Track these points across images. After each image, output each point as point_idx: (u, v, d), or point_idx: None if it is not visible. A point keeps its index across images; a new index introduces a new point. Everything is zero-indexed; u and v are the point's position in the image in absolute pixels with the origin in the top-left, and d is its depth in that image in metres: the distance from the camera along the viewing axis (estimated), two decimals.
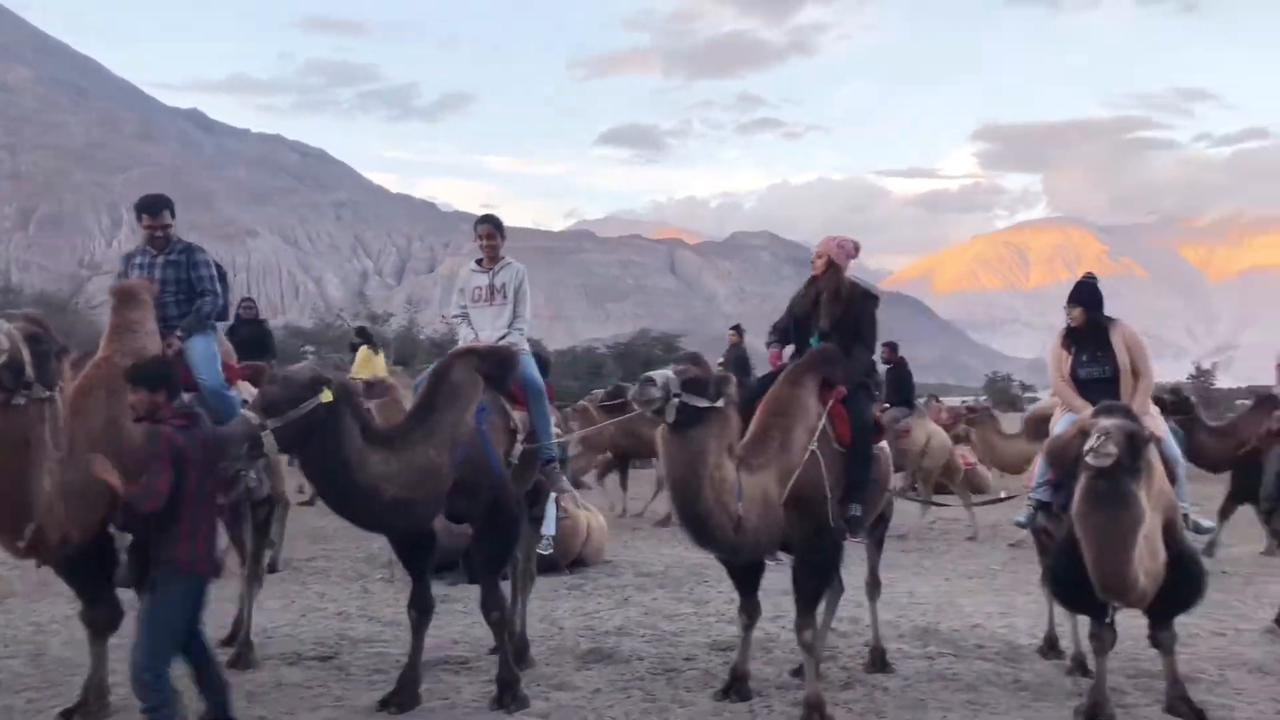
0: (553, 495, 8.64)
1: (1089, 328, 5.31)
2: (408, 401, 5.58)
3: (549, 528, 8.19)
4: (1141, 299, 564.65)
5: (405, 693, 4.75)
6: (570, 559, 8.46)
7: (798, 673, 5.22)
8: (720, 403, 4.38)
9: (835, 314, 5.07)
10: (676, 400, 4.26)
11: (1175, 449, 5.21)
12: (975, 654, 5.95)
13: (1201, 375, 46.84)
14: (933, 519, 11.45)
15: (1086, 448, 4.28)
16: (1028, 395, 44.52)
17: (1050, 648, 5.88)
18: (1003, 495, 9.08)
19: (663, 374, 4.36)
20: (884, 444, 5.33)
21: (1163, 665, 4.94)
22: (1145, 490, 4.40)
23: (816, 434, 4.73)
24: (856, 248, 5.28)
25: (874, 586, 5.77)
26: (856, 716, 4.85)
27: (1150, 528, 4.48)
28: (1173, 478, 4.95)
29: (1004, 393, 43.77)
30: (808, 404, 4.81)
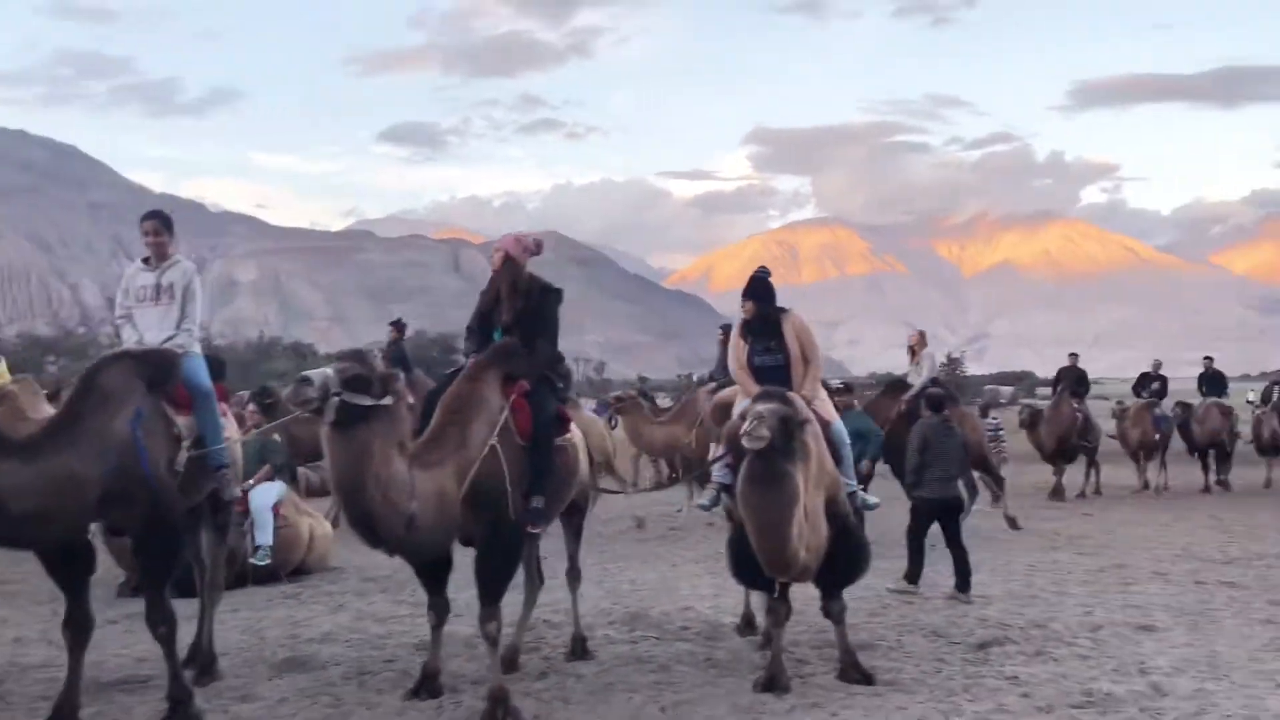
0: (270, 503, 8.37)
1: (761, 319, 5.58)
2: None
3: (265, 537, 8.13)
4: (903, 294, 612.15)
5: (59, 718, 4.55)
6: (291, 568, 8.27)
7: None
8: (387, 400, 4.34)
9: (516, 308, 5.14)
10: (336, 399, 4.22)
11: (843, 432, 5.54)
12: (677, 635, 6.20)
13: (952, 364, 50.82)
14: (679, 507, 11.83)
15: (742, 431, 4.60)
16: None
17: (747, 625, 6.19)
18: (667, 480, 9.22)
19: (321, 373, 4.31)
20: (571, 435, 5.43)
21: (835, 634, 5.30)
22: (803, 470, 4.69)
23: (497, 428, 4.76)
24: (538, 244, 5.39)
25: (573, 575, 5.88)
26: (544, 705, 4.95)
27: (810, 506, 4.80)
28: (839, 459, 5.28)
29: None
30: (488, 399, 4.84)
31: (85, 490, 4.36)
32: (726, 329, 13.75)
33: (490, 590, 4.78)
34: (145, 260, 5.39)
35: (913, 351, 11.47)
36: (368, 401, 4.28)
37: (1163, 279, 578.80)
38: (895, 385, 11.45)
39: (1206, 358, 16.95)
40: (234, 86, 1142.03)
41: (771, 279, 5.70)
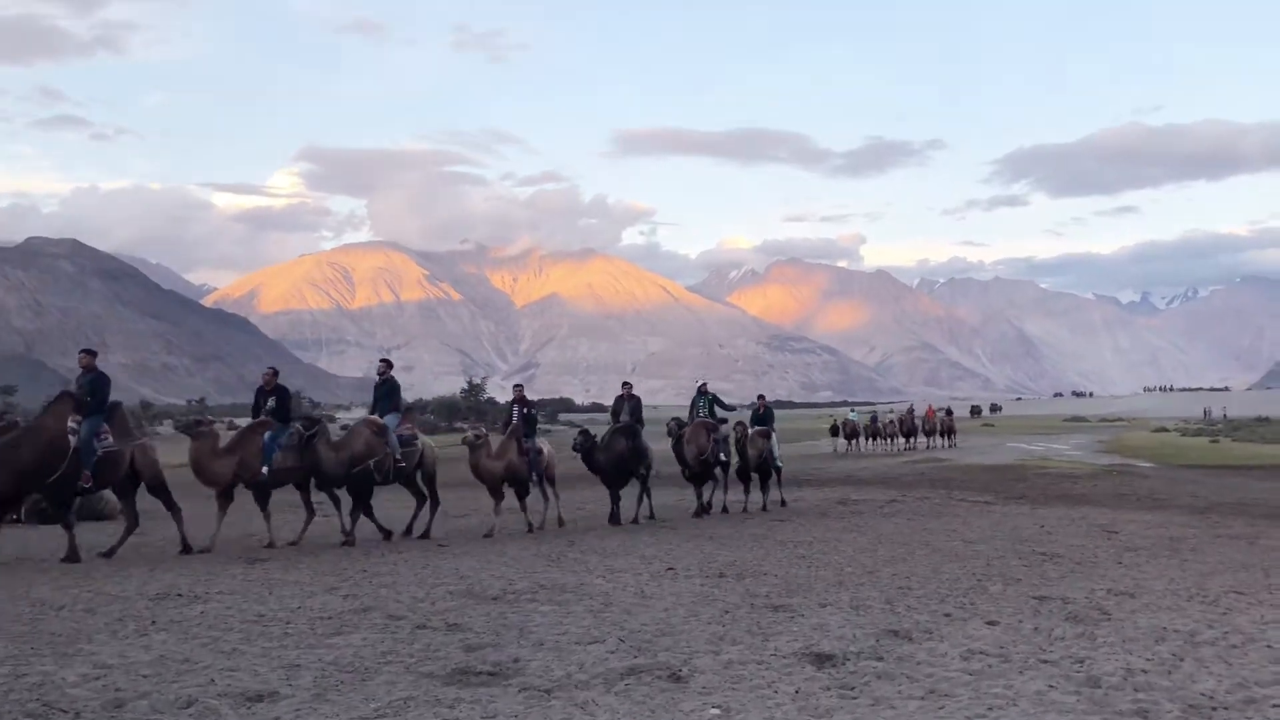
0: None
1: None
2: None
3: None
4: (458, 320, 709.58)
5: None
6: None
7: None
8: None
9: None
10: None
11: None
12: None
13: (474, 390, 70.53)
14: None
15: None
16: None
17: None
18: None
19: None
20: None
21: None
22: None
23: None
24: None
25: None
26: None
27: None
28: None
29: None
30: None
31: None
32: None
33: None
34: None
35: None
36: None
37: (691, 315, 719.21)
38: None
39: (759, 396, 20.64)
40: None
41: None
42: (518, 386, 16.76)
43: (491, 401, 79.60)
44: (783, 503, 19.32)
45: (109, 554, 12.30)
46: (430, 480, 15.01)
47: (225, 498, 13.16)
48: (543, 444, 16.07)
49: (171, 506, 13.01)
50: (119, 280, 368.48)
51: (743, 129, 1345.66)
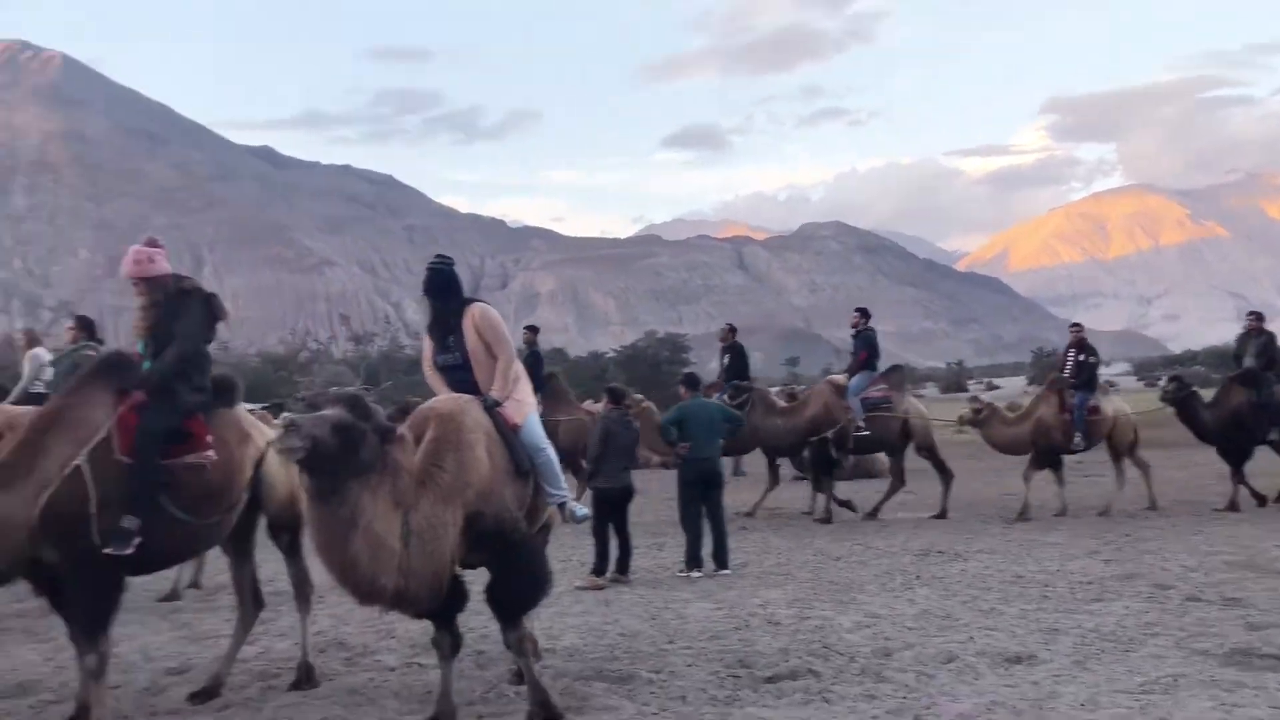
0: None
1: (437, 318, 5.60)
2: None
3: None
4: (1227, 260, 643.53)
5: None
6: None
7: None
8: None
9: (152, 318, 5.48)
10: None
11: (537, 436, 5.42)
12: (371, 665, 6.38)
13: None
14: None
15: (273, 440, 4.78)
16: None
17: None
18: None
19: None
20: (210, 452, 5.31)
21: (521, 668, 5.23)
22: (379, 485, 4.61)
23: (90, 447, 4.92)
24: (154, 242, 5.61)
25: (300, 599, 6.03)
26: None
27: (419, 525, 4.72)
28: (530, 468, 5.28)
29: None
30: (82, 416, 5.00)
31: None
32: (533, 328, 14.53)
33: (84, 621, 4.89)
34: None
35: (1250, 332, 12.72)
36: None
37: None
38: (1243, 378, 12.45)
39: None
40: (530, 108, 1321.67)
41: (453, 267, 5.70)
42: (1075, 327, 13.80)
43: None
44: None
45: (873, 513, 12.70)
46: (931, 451, 13.35)
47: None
48: (1110, 401, 13.25)
49: (942, 469, 13.20)
50: (879, 254, 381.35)
51: None
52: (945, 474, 13.01)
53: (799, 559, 9.80)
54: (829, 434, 12.73)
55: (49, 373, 11.32)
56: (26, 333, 12.81)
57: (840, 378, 13.45)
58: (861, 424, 12.83)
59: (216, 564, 7.36)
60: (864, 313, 13.43)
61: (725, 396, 12.70)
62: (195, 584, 9.06)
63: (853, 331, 13.28)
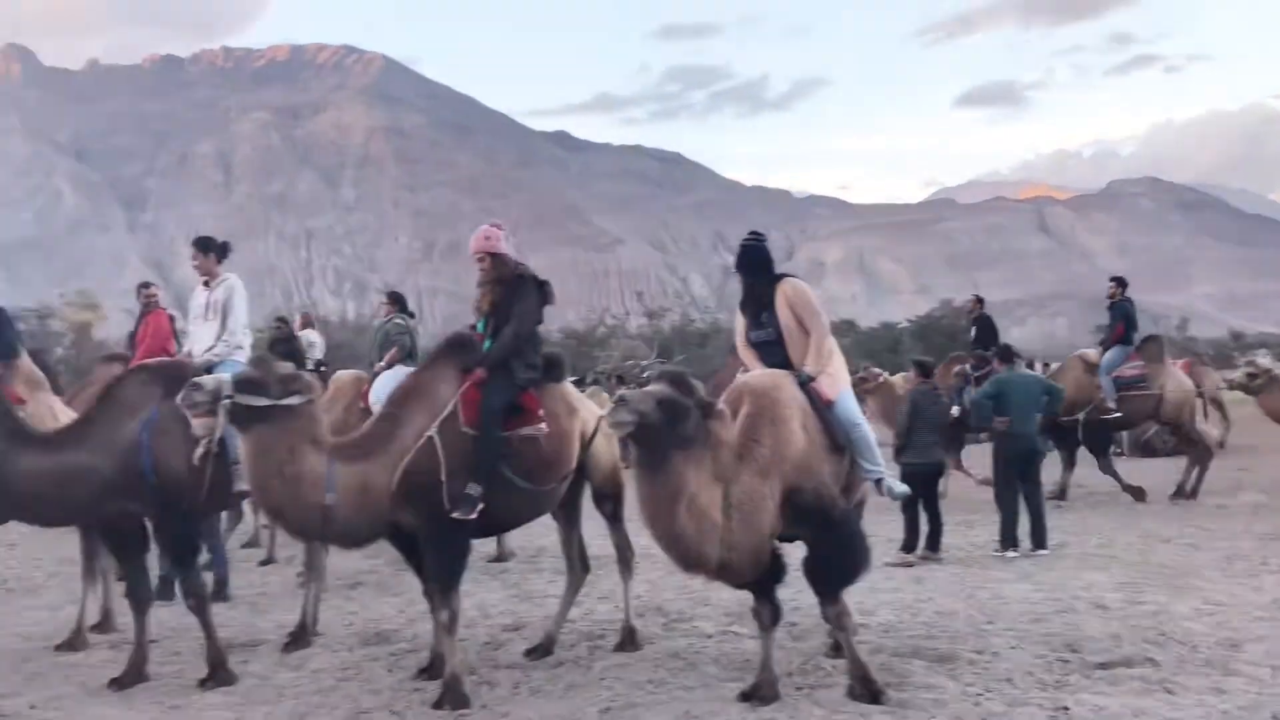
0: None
1: (750, 293, 5.67)
2: None
3: None
4: None
5: (127, 677, 5.84)
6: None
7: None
8: (293, 399, 5.15)
9: (494, 298, 5.84)
10: (228, 402, 5.15)
11: (852, 412, 5.41)
12: (689, 630, 6.58)
13: None
14: None
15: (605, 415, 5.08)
16: None
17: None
18: None
19: (215, 378, 5.33)
20: (543, 425, 5.68)
21: (841, 641, 5.24)
22: (703, 459, 4.76)
23: (440, 419, 5.34)
24: (498, 225, 6.00)
25: (623, 564, 6.34)
26: (496, 693, 5.48)
27: (739, 497, 4.84)
28: (845, 443, 5.28)
29: None
30: (436, 390, 5.48)
31: (88, 482, 5.66)
32: (979, 298, 14.79)
33: (440, 579, 5.41)
34: (205, 282, 6.80)
35: None
36: (263, 402, 5.10)
37: None
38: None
39: None
40: (818, 76, 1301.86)
41: (766, 243, 5.74)
42: None
43: None
44: None
45: (1178, 493, 11.69)
46: (1179, 428, 12.27)
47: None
48: None
49: (1195, 445, 12.21)
50: (1198, 210, 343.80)
51: None
52: (1201, 452, 11.95)
53: (1123, 540, 9.26)
54: (1079, 416, 11.81)
55: (318, 351, 12.58)
56: (304, 315, 13.78)
57: (1092, 353, 12.48)
58: (1112, 405, 11.93)
59: (532, 530, 7.54)
60: (1120, 282, 12.71)
61: (969, 368, 12.39)
62: (269, 559, 9.58)
63: (1108, 302, 12.62)
